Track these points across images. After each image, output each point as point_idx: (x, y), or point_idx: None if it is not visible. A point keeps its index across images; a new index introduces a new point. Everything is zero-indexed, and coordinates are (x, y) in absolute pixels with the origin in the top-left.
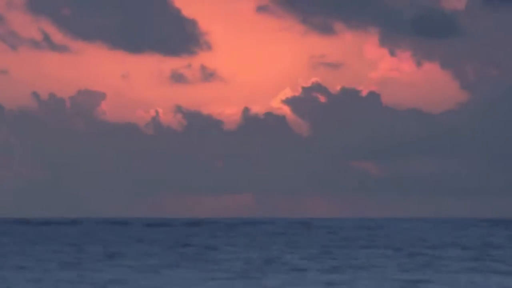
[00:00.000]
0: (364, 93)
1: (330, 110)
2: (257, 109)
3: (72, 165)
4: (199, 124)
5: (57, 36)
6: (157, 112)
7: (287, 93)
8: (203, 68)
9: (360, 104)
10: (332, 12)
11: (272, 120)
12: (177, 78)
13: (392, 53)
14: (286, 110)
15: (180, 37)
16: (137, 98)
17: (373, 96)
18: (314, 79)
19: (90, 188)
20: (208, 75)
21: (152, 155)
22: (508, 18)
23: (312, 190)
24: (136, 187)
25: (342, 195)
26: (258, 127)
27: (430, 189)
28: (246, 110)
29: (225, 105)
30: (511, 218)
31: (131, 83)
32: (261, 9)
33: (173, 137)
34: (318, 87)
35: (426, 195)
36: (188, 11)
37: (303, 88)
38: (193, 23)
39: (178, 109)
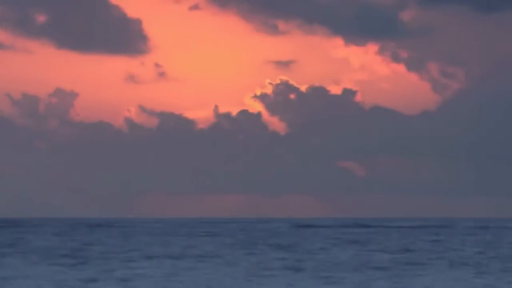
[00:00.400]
0: (333, 91)
1: (304, 109)
2: (227, 108)
3: None
4: (169, 124)
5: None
6: (125, 112)
7: (256, 91)
8: (157, 67)
9: (331, 103)
10: (274, 10)
11: (246, 118)
12: (133, 78)
13: (359, 52)
14: (259, 108)
15: (128, 37)
16: (98, 98)
17: (347, 94)
18: (282, 78)
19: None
20: (160, 74)
21: (123, 155)
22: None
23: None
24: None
25: (318, 193)
26: (232, 125)
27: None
28: (216, 109)
29: (192, 104)
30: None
31: (86, 83)
32: (194, 7)
33: (145, 137)
34: (286, 86)
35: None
36: (130, 12)
37: (273, 86)
38: (138, 23)
39: (142, 109)
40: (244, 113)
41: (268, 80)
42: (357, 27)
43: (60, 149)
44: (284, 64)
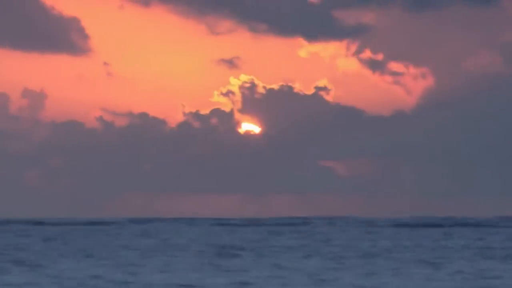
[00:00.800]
0: (296, 90)
1: (271, 108)
2: (194, 107)
3: None
4: (134, 124)
5: None
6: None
7: (222, 89)
8: (106, 67)
9: (301, 102)
10: (223, 9)
11: (216, 118)
12: (84, 77)
13: (325, 50)
14: (227, 106)
15: (67, 36)
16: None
17: (316, 94)
18: (243, 77)
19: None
20: (109, 73)
21: (96, 155)
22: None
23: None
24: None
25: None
26: (202, 124)
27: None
28: (183, 108)
29: (156, 104)
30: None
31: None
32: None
33: (116, 138)
34: (252, 85)
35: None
36: (67, 11)
37: (238, 85)
38: (76, 21)
39: (104, 110)
40: (215, 111)
41: (232, 78)
42: (318, 27)
43: None
44: (240, 63)
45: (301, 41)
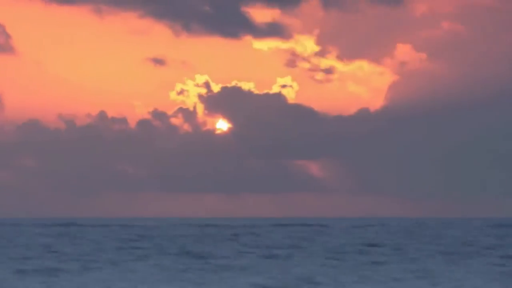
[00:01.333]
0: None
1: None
2: (154, 106)
3: None
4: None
5: None
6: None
7: (177, 88)
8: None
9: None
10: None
11: (184, 116)
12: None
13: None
14: (188, 104)
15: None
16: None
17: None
18: (197, 77)
19: None
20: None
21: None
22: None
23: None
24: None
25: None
26: (165, 124)
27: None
28: (140, 107)
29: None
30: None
31: None
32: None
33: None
34: (206, 85)
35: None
36: None
37: (193, 85)
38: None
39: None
40: (181, 110)
41: (186, 78)
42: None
43: None
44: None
45: (250, 39)
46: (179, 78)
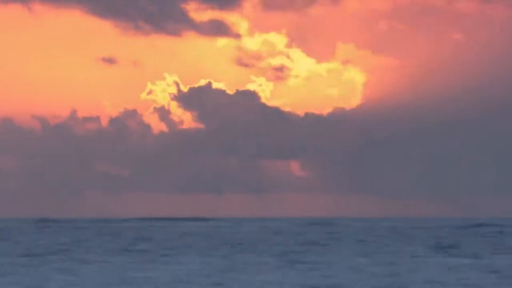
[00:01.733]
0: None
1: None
2: (127, 105)
3: None
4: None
5: None
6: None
7: (148, 88)
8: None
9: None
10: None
11: (159, 116)
12: None
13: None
14: (167, 105)
15: None
16: None
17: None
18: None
19: None
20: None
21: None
22: None
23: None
24: None
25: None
26: (135, 123)
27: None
28: (110, 107)
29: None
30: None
31: None
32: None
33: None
34: (176, 84)
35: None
36: None
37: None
38: None
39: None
40: (159, 110)
41: (155, 79)
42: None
43: None
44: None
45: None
46: (149, 78)
